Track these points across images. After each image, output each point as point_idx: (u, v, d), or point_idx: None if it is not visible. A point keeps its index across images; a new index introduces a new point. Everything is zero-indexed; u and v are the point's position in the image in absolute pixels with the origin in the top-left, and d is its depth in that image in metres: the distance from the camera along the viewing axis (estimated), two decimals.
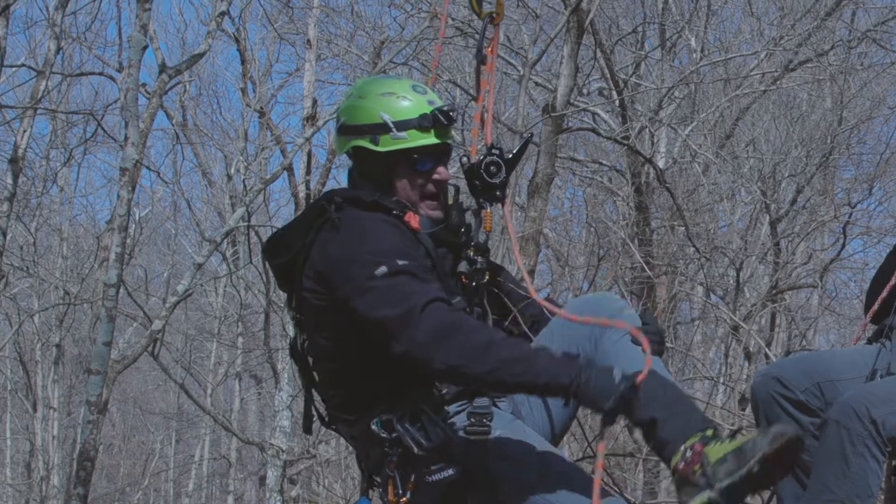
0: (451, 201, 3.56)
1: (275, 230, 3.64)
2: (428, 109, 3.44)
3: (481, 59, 3.65)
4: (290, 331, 3.63)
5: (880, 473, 3.63)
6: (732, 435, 3.16)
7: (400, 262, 3.23)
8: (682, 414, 3.20)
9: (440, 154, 3.48)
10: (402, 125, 3.42)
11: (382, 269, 3.21)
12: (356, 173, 3.54)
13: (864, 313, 4.38)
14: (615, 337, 3.36)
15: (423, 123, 3.42)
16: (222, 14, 10.83)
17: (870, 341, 4.14)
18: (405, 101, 3.44)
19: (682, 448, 3.16)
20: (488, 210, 3.51)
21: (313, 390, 3.58)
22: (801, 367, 3.89)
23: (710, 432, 3.17)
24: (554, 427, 3.52)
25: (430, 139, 3.43)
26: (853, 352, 4.05)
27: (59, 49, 11.69)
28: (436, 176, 3.47)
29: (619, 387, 3.07)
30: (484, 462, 3.28)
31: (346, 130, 3.50)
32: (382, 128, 3.43)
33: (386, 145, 3.43)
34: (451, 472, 3.24)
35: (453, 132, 3.51)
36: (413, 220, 3.43)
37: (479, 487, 3.30)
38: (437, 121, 3.43)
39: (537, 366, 3.11)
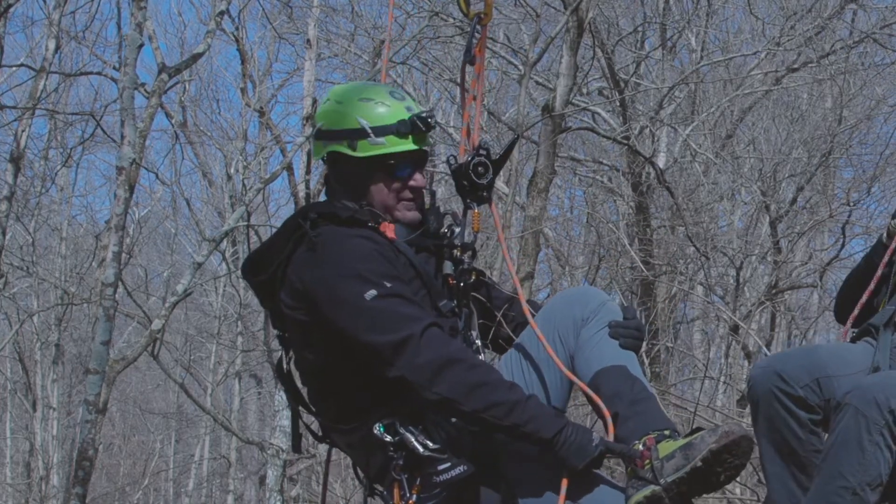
0: (427, 206, 3.56)
1: (253, 250, 3.63)
2: (406, 115, 3.43)
3: (470, 60, 3.65)
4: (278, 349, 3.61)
5: (891, 463, 3.63)
6: (690, 434, 3.18)
7: (388, 285, 3.23)
8: (644, 413, 3.24)
9: (417, 160, 3.46)
10: (381, 131, 3.41)
11: (372, 293, 3.21)
12: (332, 178, 3.52)
13: (836, 316, 4.39)
14: (594, 330, 3.38)
15: (401, 129, 3.41)
16: (221, 13, 10.78)
17: (853, 340, 4.14)
18: (383, 106, 3.43)
19: (637, 443, 3.19)
20: (476, 210, 3.51)
21: (303, 407, 3.55)
22: (801, 362, 3.88)
23: (667, 432, 3.20)
24: None
25: (408, 145, 3.43)
26: (844, 349, 4.05)
27: (57, 48, 11.66)
28: (412, 182, 3.46)
29: (595, 450, 3.16)
30: (495, 461, 3.29)
31: (323, 135, 3.49)
32: (360, 133, 3.42)
33: (364, 150, 3.42)
34: (462, 469, 3.23)
35: (429, 139, 3.50)
36: (388, 229, 3.41)
37: (490, 485, 3.29)
38: (416, 127, 3.42)
39: (524, 415, 3.17)
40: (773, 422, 3.83)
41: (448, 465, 3.23)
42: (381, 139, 3.41)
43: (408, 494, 3.27)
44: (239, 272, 18.09)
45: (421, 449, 3.24)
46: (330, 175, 3.54)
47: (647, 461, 3.15)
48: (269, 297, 3.43)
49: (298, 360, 3.47)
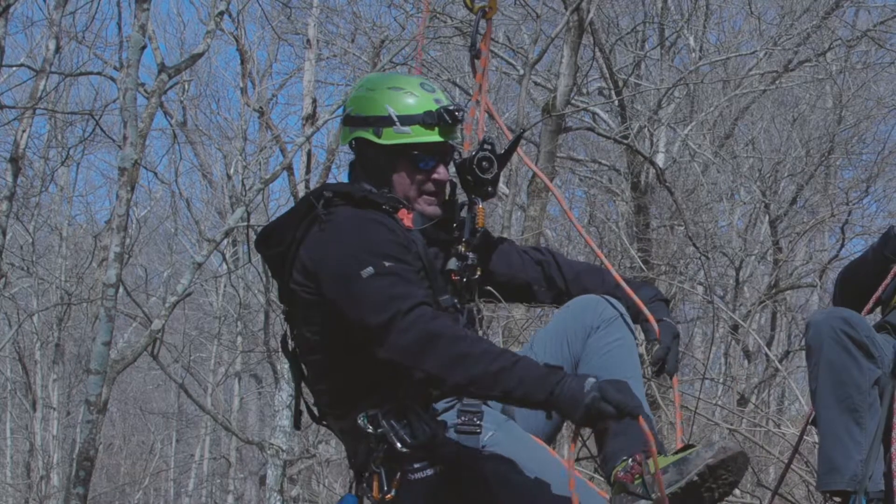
0: (446, 197, 3.54)
1: (267, 223, 3.62)
2: (434, 107, 3.43)
3: (475, 54, 3.66)
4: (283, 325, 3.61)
5: None
6: (682, 450, 3.16)
7: (387, 264, 3.21)
8: (637, 431, 3.16)
9: (442, 153, 3.46)
10: (407, 120, 3.41)
11: (369, 270, 3.19)
12: (358, 165, 3.53)
13: (836, 302, 4.36)
14: (602, 341, 3.39)
15: (427, 120, 3.41)
16: (221, 14, 10.78)
17: None
18: (412, 97, 3.44)
19: (626, 458, 3.18)
20: (481, 206, 3.51)
21: (305, 384, 3.55)
22: (859, 318, 3.87)
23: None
24: (546, 424, 3.48)
25: (433, 136, 3.42)
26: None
27: (58, 48, 11.65)
28: (435, 175, 3.46)
29: (587, 396, 3.00)
30: (476, 462, 3.25)
31: (350, 121, 3.49)
32: (386, 121, 3.42)
33: (388, 138, 3.42)
34: (433, 471, 3.21)
35: (457, 133, 3.50)
36: (406, 217, 3.41)
37: (469, 488, 3.25)
38: (442, 119, 3.42)
39: (512, 381, 3.05)
40: (833, 366, 3.78)
41: (423, 464, 3.22)
42: (406, 128, 3.41)
43: (386, 488, 3.25)
44: (238, 272, 18.17)
45: (399, 444, 3.22)
46: (356, 162, 3.54)
47: (638, 476, 3.13)
48: (279, 270, 3.43)
49: (298, 337, 3.46)
